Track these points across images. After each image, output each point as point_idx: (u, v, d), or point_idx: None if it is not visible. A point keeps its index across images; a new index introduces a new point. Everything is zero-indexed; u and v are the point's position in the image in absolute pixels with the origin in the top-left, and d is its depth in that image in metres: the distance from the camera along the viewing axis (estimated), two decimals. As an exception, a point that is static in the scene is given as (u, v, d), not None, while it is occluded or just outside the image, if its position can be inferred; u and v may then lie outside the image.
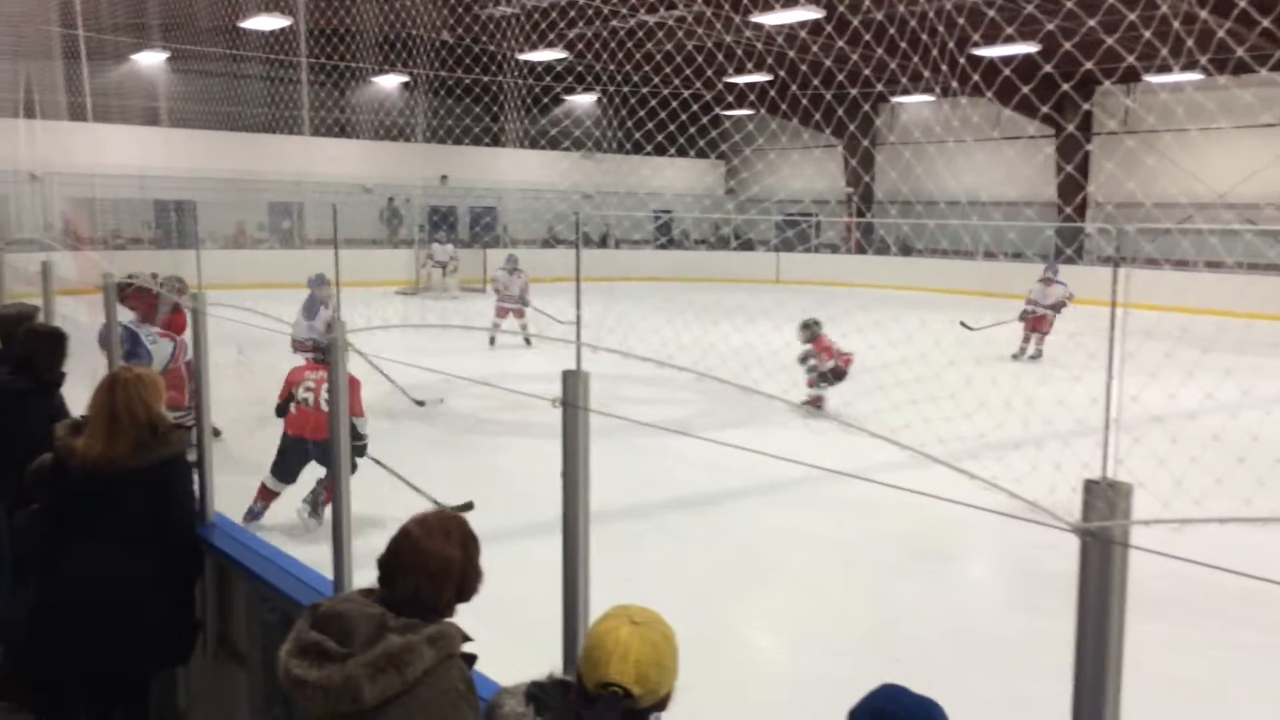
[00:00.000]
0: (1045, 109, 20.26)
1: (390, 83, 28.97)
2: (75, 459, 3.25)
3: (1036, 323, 14.43)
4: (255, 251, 24.67)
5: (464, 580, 2.17)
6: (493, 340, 14.76)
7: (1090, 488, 1.44)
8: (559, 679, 1.87)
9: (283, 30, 18.80)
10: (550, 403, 2.27)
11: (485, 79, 22.67)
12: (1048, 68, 4.99)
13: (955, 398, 4.26)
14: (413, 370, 9.16)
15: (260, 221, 26.72)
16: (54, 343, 4.30)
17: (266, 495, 6.75)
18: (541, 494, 7.00)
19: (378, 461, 6.83)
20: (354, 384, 6.72)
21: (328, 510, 6.77)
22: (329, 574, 3.32)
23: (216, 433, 7.87)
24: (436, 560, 2.12)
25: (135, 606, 3.28)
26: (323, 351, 8.45)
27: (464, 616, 2.23)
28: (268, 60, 19.76)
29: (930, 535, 6.37)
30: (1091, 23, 4.37)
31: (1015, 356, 14.31)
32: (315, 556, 3.62)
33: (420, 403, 10.14)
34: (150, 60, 24.00)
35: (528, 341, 14.38)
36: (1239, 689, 4.66)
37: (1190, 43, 4.38)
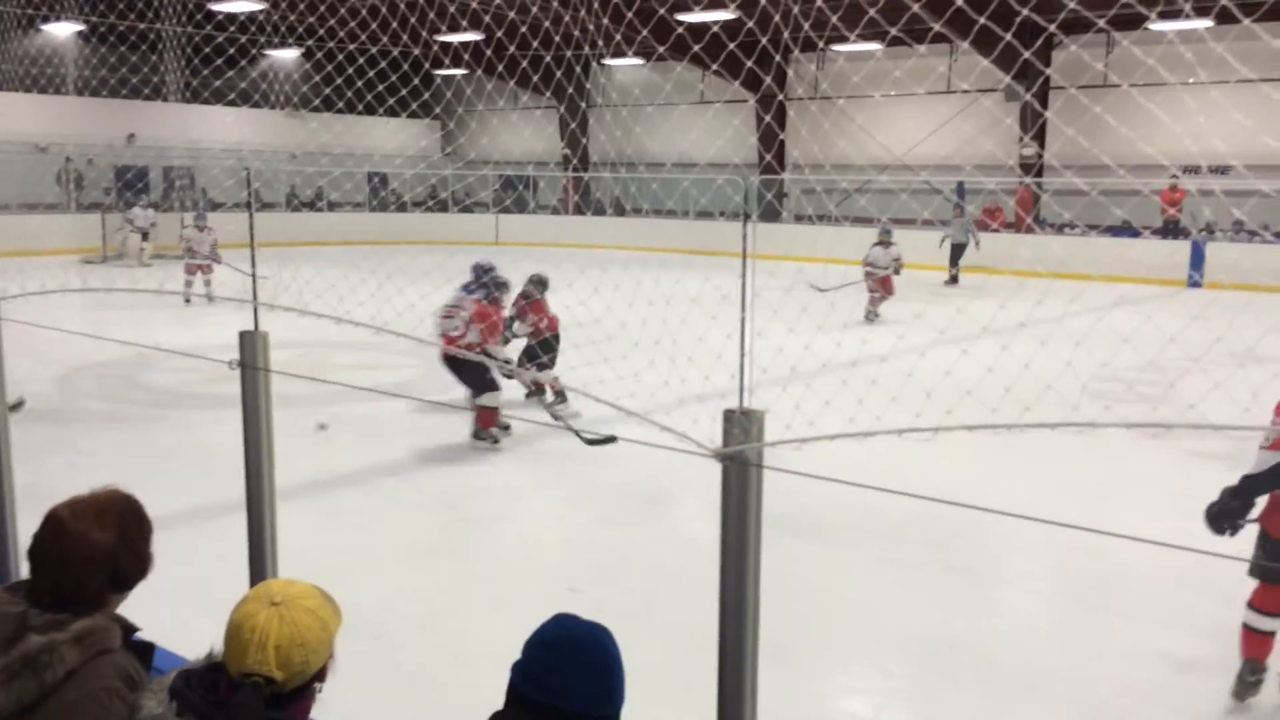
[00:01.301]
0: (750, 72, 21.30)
1: (63, 31, 26.24)
2: None
3: (883, 284, 14.59)
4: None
5: (119, 567, 1.97)
6: (187, 300, 14.81)
7: (728, 416, 1.59)
8: (216, 662, 1.75)
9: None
10: (227, 364, 2.20)
11: (178, 30, 21.04)
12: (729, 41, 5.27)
13: (632, 343, 4.51)
14: (100, 342, 8.53)
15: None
16: None
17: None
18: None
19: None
20: (495, 324, 7.88)
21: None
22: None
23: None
24: (81, 547, 1.93)
25: None
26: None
27: (151, 597, 2.12)
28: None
29: (643, 483, 6.68)
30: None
31: (868, 318, 14.39)
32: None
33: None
34: None
35: (209, 298, 14.42)
36: (903, 603, 5.18)
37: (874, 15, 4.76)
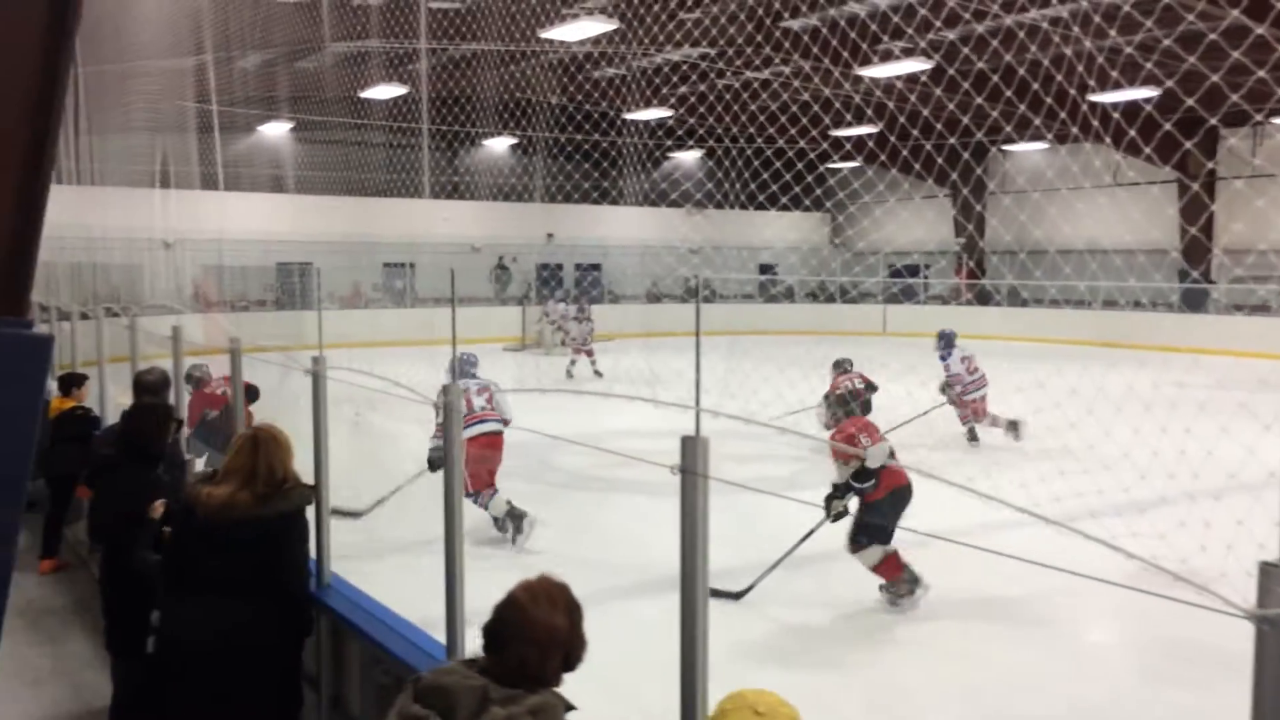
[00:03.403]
0: (1167, 161, 19.65)
1: (500, 145, 29.77)
2: (200, 507, 3.34)
3: None
4: (370, 311, 25.46)
5: (570, 649, 2.16)
6: (569, 374, 17.81)
7: (1268, 571, 1.32)
8: None
9: (401, 98, 19.58)
10: (670, 469, 2.22)
11: (595, 139, 23.23)
12: (1158, 120, 4.80)
13: (1094, 449, 4.03)
14: (515, 432, 9.23)
15: (375, 282, 27.60)
16: (161, 419, 4.41)
17: (897, 565, 6.24)
18: (645, 552, 6.91)
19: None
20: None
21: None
22: (441, 635, 3.32)
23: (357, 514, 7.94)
24: (544, 630, 2.10)
25: (245, 660, 3.34)
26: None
27: (568, 679, 2.21)
28: (387, 127, 20.56)
29: (1045, 598, 6.08)
30: (1215, 78, 4.21)
31: None
32: (427, 613, 3.61)
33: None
34: (275, 130, 25.19)
35: (598, 375, 17.66)
36: None
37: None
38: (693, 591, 2.31)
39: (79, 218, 13.12)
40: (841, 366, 10.79)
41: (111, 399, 7.67)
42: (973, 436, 11.23)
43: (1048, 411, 5.24)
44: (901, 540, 6.01)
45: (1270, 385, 14.08)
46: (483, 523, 7.73)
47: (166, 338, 6.22)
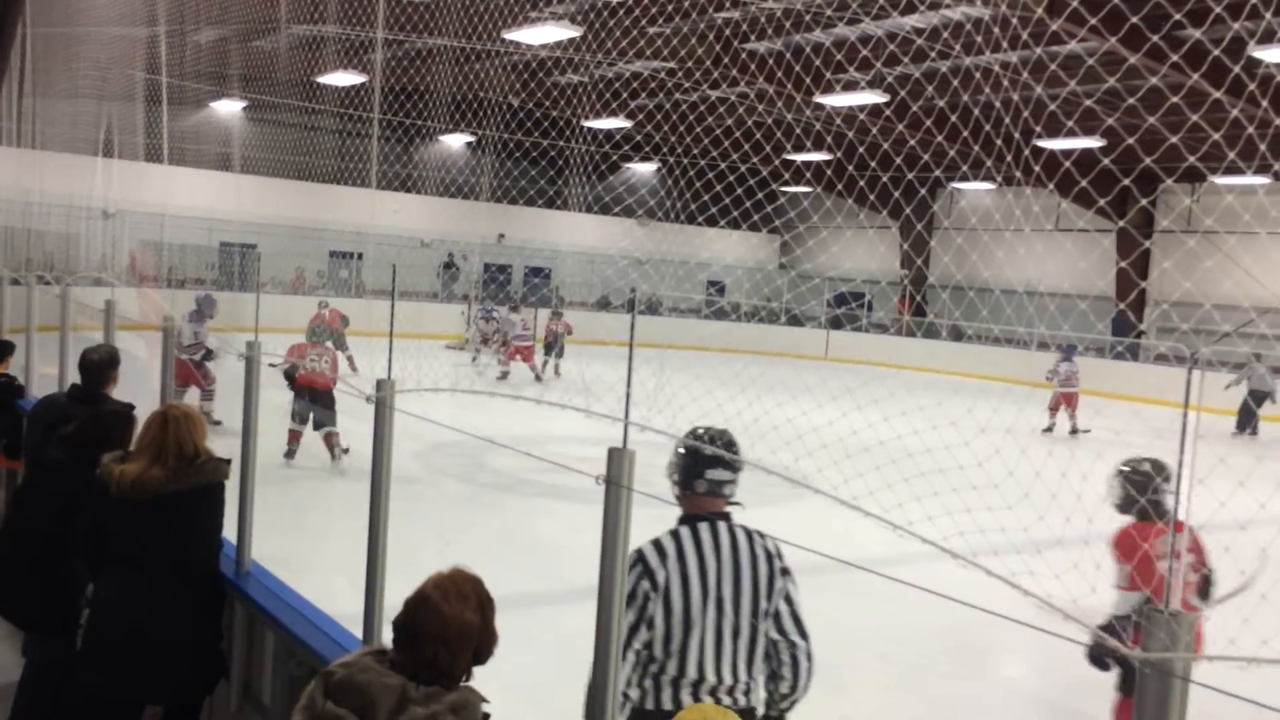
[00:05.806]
0: (1103, 203, 20.22)
1: (456, 142, 29.59)
2: (113, 485, 3.31)
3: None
4: (312, 298, 25.11)
5: (481, 645, 2.14)
6: (474, 361, 20.13)
7: (1152, 616, 1.38)
8: None
9: (356, 87, 19.40)
10: (594, 479, 2.24)
11: (547, 143, 23.23)
12: (1106, 162, 4.97)
13: (999, 488, 4.13)
14: (450, 431, 9.18)
15: (320, 269, 27.23)
16: (124, 432, 3.86)
17: (295, 436, 9.56)
18: (572, 559, 6.94)
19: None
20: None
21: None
22: (357, 629, 3.30)
23: (217, 422, 9.91)
24: (455, 626, 2.08)
25: (162, 634, 3.32)
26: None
27: (481, 678, 2.21)
28: (340, 115, 20.39)
29: (964, 630, 6.20)
30: (1153, 120, 4.36)
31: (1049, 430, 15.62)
32: (346, 608, 3.59)
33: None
34: (227, 108, 24.76)
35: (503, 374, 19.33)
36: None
37: (1264, 146, 4.35)
38: (610, 598, 2.33)
39: (16, 180, 12.80)
40: (556, 312, 19.70)
41: (37, 369, 7.49)
42: (503, 376, 17.84)
43: (956, 448, 5.36)
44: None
45: (1166, 435, 14.55)
46: (407, 517, 7.67)
47: (99, 310, 6.09)
